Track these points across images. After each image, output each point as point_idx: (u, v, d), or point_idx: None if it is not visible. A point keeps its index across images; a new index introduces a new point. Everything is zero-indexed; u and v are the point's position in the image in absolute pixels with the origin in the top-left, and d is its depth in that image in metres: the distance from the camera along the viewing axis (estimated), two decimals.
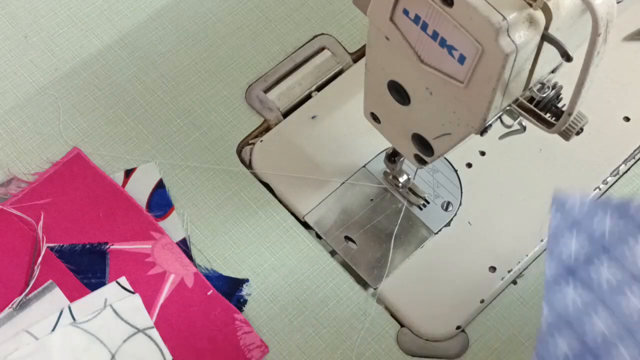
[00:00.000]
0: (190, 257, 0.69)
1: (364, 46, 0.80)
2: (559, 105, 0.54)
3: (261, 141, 0.76)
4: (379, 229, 0.72)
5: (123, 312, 0.66)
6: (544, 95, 0.53)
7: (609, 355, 0.54)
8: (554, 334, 0.55)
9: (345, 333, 0.68)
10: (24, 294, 0.66)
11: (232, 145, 0.76)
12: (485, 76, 0.48)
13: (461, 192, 0.73)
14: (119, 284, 0.67)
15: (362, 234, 0.71)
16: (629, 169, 0.76)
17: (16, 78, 0.78)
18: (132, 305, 0.66)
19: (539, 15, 0.46)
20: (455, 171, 0.74)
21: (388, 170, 0.72)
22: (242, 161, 0.75)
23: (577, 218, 0.56)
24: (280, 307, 0.68)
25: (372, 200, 0.73)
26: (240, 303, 0.68)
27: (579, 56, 0.48)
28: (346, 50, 0.81)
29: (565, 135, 0.54)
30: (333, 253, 0.71)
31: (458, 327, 0.68)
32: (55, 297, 0.66)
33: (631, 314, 0.54)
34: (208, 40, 0.81)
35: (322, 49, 0.81)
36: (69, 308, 0.66)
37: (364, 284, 0.70)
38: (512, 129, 0.58)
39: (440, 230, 0.72)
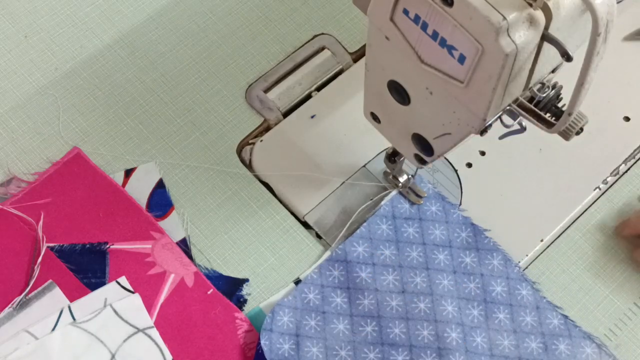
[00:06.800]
0: (190, 256, 0.69)
1: (364, 46, 0.80)
2: (559, 105, 0.54)
3: (261, 141, 0.76)
4: None
5: (123, 311, 0.66)
6: (544, 95, 0.53)
7: None
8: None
9: None
10: (24, 294, 0.66)
11: (232, 145, 0.76)
12: (485, 76, 0.48)
13: (461, 192, 0.73)
14: (119, 283, 0.67)
15: None
16: (629, 169, 0.76)
17: (16, 78, 0.78)
18: (132, 305, 0.66)
19: (539, 15, 0.46)
20: (455, 171, 0.74)
21: (388, 170, 0.72)
22: (242, 161, 0.75)
23: None
24: None
25: (372, 200, 0.73)
26: (240, 303, 0.68)
27: (579, 56, 0.48)
28: (346, 50, 0.81)
29: (565, 135, 0.54)
30: None
31: None
32: (55, 297, 0.66)
33: None
34: (208, 40, 0.81)
35: (322, 48, 0.81)
36: (69, 308, 0.66)
37: None
38: (512, 129, 0.58)
39: None
